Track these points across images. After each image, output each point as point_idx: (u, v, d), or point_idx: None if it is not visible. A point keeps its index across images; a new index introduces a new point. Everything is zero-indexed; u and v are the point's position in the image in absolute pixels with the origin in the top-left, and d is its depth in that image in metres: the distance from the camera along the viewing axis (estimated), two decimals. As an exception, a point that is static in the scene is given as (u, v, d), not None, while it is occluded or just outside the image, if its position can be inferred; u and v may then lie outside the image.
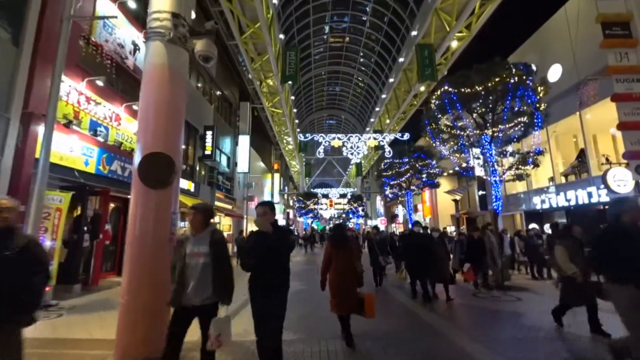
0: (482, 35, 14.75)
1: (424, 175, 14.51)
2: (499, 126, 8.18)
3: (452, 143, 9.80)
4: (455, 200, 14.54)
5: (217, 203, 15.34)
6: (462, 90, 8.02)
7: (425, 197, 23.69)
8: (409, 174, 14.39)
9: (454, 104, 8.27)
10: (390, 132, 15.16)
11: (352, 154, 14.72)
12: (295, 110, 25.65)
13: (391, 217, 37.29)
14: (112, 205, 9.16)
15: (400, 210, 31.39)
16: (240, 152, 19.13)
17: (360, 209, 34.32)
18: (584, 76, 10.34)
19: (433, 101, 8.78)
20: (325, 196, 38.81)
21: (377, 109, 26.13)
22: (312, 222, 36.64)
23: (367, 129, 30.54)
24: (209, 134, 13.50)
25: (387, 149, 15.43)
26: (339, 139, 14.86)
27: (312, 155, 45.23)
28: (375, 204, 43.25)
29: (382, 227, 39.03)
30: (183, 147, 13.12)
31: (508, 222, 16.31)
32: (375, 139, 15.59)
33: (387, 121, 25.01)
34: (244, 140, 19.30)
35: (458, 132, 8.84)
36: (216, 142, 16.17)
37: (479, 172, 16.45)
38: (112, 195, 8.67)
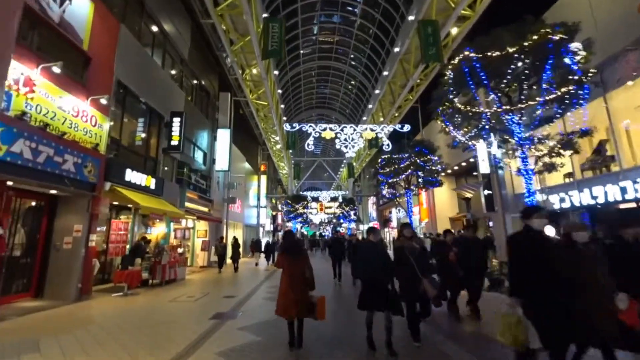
0: (488, 16, 13.18)
1: (425, 173, 12.74)
2: (536, 99, 6.39)
3: (466, 128, 8.00)
4: (466, 199, 12.80)
5: (188, 204, 13.13)
6: (489, 54, 6.23)
7: (421, 199, 21.96)
8: (409, 171, 12.59)
9: (476, 74, 6.45)
10: (384, 128, 13.51)
11: (345, 146, 12.84)
12: (282, 106, 23.73)
13: (384, 222, 35.54)
14: (28, 202, 6.92)
15: (394, 214, 29.64)
16: (220, 148, 16.99)
17: (352, 212, 32.39)
18: (608, 55, 8.81)
19: (448, 73, 6.96)
20: (316, 199, 36.76)
21: (369, 106, 24.44)
22: (301, 227, 34.49)
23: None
24: (176, 121, 11.39)
25: (386, 141, 13.61)
26: (330, 129, 12.96)
27: (302, 157, 43.35)
28: (367, 208, 41.44)
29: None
30: (142, 135, 10.99)
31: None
32: (372, 130, 13.75)
33: (381, 119, 23.32)
34: (224, 135, 17.18)
35: (480, 109, 7.00)
36: (189, 134, 14.03)
37: (485, 168, 14.84)
38: (23, 189, 6.45)
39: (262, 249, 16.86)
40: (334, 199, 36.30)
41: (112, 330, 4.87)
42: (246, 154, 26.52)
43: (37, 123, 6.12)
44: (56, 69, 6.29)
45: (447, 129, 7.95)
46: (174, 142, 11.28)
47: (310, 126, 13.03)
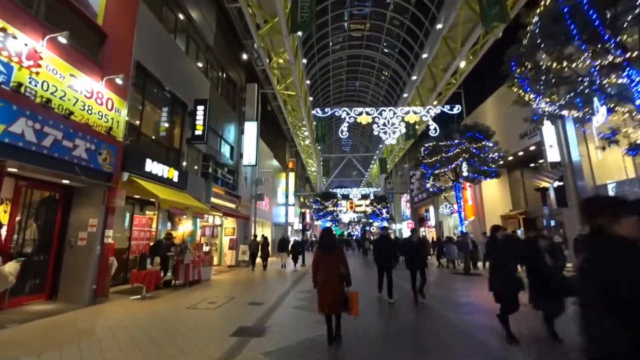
0: None
1: (479, 161, 10.89)
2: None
3: (550, 97, 6.25)
4: (542, 190, 10.70)
5: (214, 200, 12.38)
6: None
7: (466, 194, 19.77)
8: (460, 160, 10.81)
9: (581, 16, 4.74)
10: (430, 110, 11.69)
11: (385, 132, 11.36)
12: (311, 98, 22.64)
13: (419, 220, 33.28)
14: (42, 193, 6.27)
15: (432, 212, 27.44)
16: (247, 142, 16.21)
17: (384, 210, 30.58)
18: None
19: (534, 22, 5.31)
20: (346, 197, 35.31)
21: (405, 95, 22.58)
22: (330, 227, 33.37)
23: (392, 120, 26.96)
24: (200, 109, 10.60)
25: (432, 125, 11.90)
26: (367, 113, 11.52)
27: (331, 154, 42.11)
28: (400, 206, 39.25)
29: (409, 232, 34.99)
30: (165, 124, 10.30)
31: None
32: (415, 112, 12.09)
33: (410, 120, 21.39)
34: (251, 128, 16.38)
35: (588, 62, 5.24)
36: (215, 126, 13.31)
37: (554, 155, 12.58)
38: (33, 178, 5.78)
39: (289, 248, 15.21)
40: (364, 197, 34.61)
41: (107, 346, 3.91)
42: (274, 150, 25.78)
43: (42, 101, 5.38)
44: (62, 39, 5.53)
45: (527, 97, 6.26)
46: (198, 132, 10.50)
47: (344, 110, 11.69)
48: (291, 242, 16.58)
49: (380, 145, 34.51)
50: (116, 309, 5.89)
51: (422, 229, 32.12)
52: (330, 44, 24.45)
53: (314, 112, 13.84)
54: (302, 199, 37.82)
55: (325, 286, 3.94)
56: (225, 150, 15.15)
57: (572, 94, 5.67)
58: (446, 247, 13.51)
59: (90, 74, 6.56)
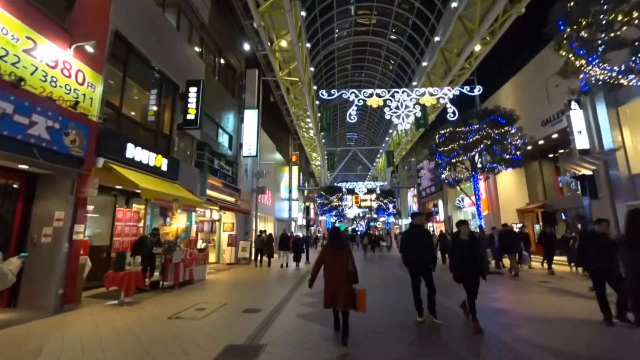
0: None
1: (501, 148, 9.70)
2: None
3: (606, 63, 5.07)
4: (581, 178, 9.44)
5: (210, 192, 11.37)
6: None
7: (480, 188, 18.58)
8: (481, 147, 9.58)
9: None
10: (447, 91, 10.47)
11: (397, 116, 10.21)
12: (315, 87, 21.46)
13: (427, 215, 32.08)
14: (-7, 181, 5.27)
15: (440, 207, 26.26)
16: (247, 131, 15.15)
17: (391, 205, 29.46)
18: None
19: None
20: (351, 191, 34.19)
21: (414, 83, 21.31)
22: (335, 222, 32.23)
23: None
24: (192, 91, 9.54)
25: (451, 108, 10.68)
26: (378, 95, 10.36)
27: (336, 149, 40.87)
28: (407, 201, 38.07)
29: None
30: (153, 107, 9.23)
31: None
32: (431, 94, 10.88)
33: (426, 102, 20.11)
34: (252, 116, 15.31)
35: None
36: (212, 113, 12.27)
37: (582, 142, 11.34)
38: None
39: (290, 245, 13.77)
40: (370, 191, 33.47)
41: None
42: (277, 143, 24.73)
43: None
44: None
45: (577, 61, 5.11)
46: (190, 116, 9.44)
47: (353, 92, 10.55)
48: (293, 239, 15.53)
49: (387, 138, 33.26)
50: (82, 320, 4.90)
51: (429, 225, 31.00)
52: (336, 30, 23.16)
53: (320, 92, 12.62)
54: (305, 194, 36.80)
55: (334, 282, 3.99)
56: (224, 139, 14.11)
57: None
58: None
59: (55, 40, 5.52)
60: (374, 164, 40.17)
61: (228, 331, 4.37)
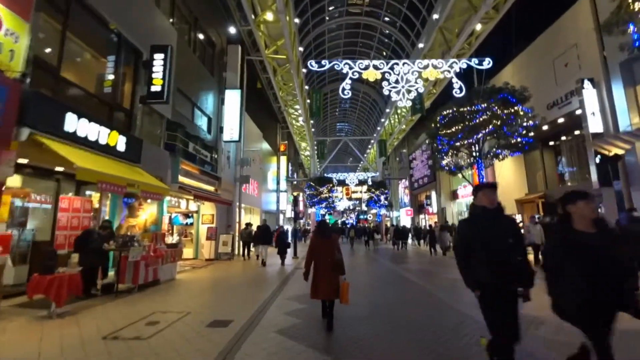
0: None
1: (511, 130, 8.69)
2: None
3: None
4: (613, 159, 8.46)
5: (183, 179, 9.99)
6: None
7: (475, 177, 17.73)
8: (490, 128, 8.48)
9: None
10: (453, 64, 9.30)
11: (397, 91, 9.03)
12: (304, 70, 20.02)
13: (418, 207, 31.40)
14: None
15: (434, 198, 25.47)
16: (228, 114, 13.70)
17: (382, 197, 28.56)
18: None
19: None
20: (342, 182, 33.09)
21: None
22: (325, 214, 31.19)
23: (393, 99, 24.54)
24: (158, 58, 8.07)
25: (457, 83, 9.52)
26: (375, 67, 9.13)
27: (327, 142, 39.52)
28: (398, 193, 37.31)
29: (408, 219, 32.99)
30: (109, 76, 7.61)
31: None
32: (435, 67, 9.69)
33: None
34: (233, 97, 13.84)
35: None
36: (188, 90, 10.84)
37: (596, 125, 10.43)
38: None
39: (273, 239, 12.07)
40: (361, 182, 32.47)
41: None
42: (264, 132, 23.30)
43: None
44: None
45: (633, 6, 4.04)
46: (156, 88, 7.99)
47: (346, 64, 9.29)
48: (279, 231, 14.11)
49: (379, 128, 32.20)
50: (-20, 343, 3.58)
51: (421, 217, 30.31)
52: (328, 9, 21.67)
53: (309, 63, 11.27)
54: (295, 184, 35.45)
55: (321, 272, 4.05)
56: (202, 122, 12.66)
57: None
58: (440, 236, 13.44)
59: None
60: (365, 155, 39.17)
61: (181, 358, 3.15)
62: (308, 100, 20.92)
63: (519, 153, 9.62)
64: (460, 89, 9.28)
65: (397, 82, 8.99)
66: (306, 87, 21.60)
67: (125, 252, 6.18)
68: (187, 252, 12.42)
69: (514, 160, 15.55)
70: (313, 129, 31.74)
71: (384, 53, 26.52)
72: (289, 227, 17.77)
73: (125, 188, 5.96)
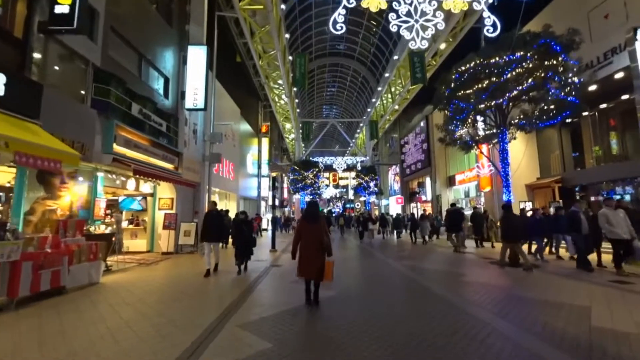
0: None
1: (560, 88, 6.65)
2: None
3: None
4: None
5: (124, 150, 7.54)
6: None
7: (482, 158, 16.00)
8: (530, 82, 6.34)
9: None
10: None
11: (409, 29, 6.81)
12: (287, 35, 17.45)
13: (410, 195, 29.80)
14: None
15: (428, 185, 23.79)
16: (192, 75, 11.16)
17: (372, 183, 26.71)
18: None
19: None
20: (329, 168, 30.95)
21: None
22: (316, 200, 29.19)
23: (387, 74, 22.38)
24: (65, -35, 5.49)
25: (489, 18, 7.30)
26: (379, -7, 6.84)
27: (313, 122, 37.03)
28: (388, 180, 35.60)
29: (398, 208, 31.28)
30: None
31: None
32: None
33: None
34: (197, 55, 11.28)
35: None
36: (134, 38, 8.30)
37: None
38: None
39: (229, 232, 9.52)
40: (350, 168, 30.43)
41: None
42: (245, 112, 20.75)
43: None
44: None
45: None
46: (61, 9, 5.45)
47: (341, -10, 6.94)
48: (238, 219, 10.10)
49: (369, 110, 30.07)
50: None
51: (412, 205, 28.77)
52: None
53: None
54: (274, 164, 33.01)
55: (307, 254, 4.18)
56: (155, 82, 10.10)
57: None
58: (420, 224, 13.72)
59: None
60: (354, 140, 37.07)
61: None
62: (292, 75, 18.48)
63: (554, 121, 7.63)
64: (494, 26, 7.12)
65: (408, 14, 6.76)
66: (290, 57, 19.05)
67: (-14, 249, 3.86)
68: (139, 244, 10.08)
69: (524, 139, 13.80)
70: (298, 110, 29.28)
71: (373, 30, 24.16)
72: (239, 212, 14.65)
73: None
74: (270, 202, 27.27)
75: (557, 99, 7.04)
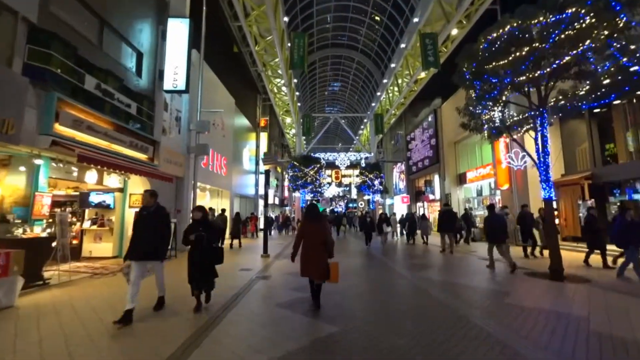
0: None
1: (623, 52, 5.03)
2: None
3: None
4: None
5: (72, 132, 6.00)
6: None
7: (498, 151, 14.39)
8: (587, 45, 4.75)
9: None
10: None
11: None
12: (286, 19, 15.87)
13: (416, 194, 28.13)
14: None
15: (437, 183, 22.11)
16: (172, 53, 9.65)
17: (377, 181, 25.10)
18: None
19: None
20: (331, 165, 29.34)
21: (415, 19, 16.31)
22: (311, 200, 27.58)
23: (393, 65, 20.75)
24: None
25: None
26: None
27: (314, 114, 35.39)
28: (392, 178, 33.92)
29: (403, 207, 29.63)
30: None
31: None
32: None
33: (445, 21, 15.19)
34: (179, 29, 9.76)
35: None
36: (99, 6, 6.76)
37: None
38: None
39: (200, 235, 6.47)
40: (353, 165, 28.80)
41: None
42: (242, 103, 19.30)
43: None
44: None
45: None
46: None
47: None
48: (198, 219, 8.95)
49: (374, 104, 28.44)
50: None
51: (419, 204, 27.12)
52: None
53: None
54: (279, 169, 31.48)
55: (310, 254, 4.17)
56: (125, 57, 8.55)
57: None
58: (422, 224, 13.57)
59: None
60: (357, 136, 35.43)
61: None
62: (290, 70, 16.86)
63: (606, 101, 6.00)
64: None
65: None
66: (288, 44, 17.48)
67: None
68: (104, 248, 8.56)
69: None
70: (299, 104, 27.72)
71: (377, 19, 22.49)
72: (220, 211, 12.42)
73: None
74: (271, 201, 25.84)
75: (619, 67, 5.41)
